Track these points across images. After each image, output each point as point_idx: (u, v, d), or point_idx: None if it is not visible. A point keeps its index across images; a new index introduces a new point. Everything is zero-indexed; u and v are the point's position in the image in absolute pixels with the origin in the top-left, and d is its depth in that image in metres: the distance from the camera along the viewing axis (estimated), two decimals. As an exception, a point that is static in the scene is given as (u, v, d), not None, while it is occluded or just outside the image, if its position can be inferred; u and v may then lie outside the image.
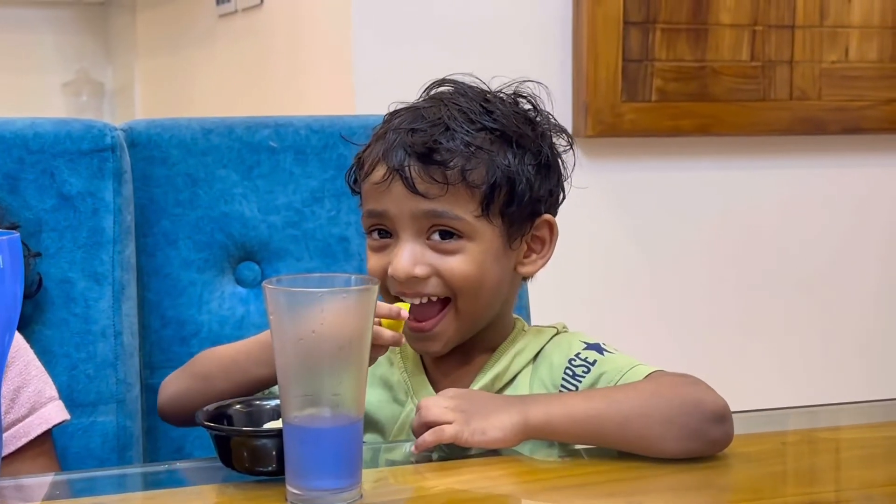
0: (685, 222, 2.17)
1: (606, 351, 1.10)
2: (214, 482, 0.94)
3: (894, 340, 2.31)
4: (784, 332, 2.25)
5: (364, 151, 1.11)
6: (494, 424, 0.97)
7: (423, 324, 1.07)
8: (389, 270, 1.06)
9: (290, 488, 0.87)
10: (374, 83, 1.96)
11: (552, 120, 1.14)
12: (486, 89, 1.13)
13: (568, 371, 1.08)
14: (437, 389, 1.11)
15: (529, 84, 1.14)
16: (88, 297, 1.30)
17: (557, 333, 1.14)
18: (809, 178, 2.23)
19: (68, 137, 1.31)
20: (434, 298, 1.07)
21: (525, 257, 1.12)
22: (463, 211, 1.05)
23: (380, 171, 1.06)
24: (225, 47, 2.83)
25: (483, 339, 1.12)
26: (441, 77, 1.14)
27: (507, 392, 1.10)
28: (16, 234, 0.76)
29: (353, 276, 0.91)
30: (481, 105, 1.09)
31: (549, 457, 1.02)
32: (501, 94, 1.13)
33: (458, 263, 1.06)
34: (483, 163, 1.06)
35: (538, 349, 1.13)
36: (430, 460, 1.00)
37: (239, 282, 1.41)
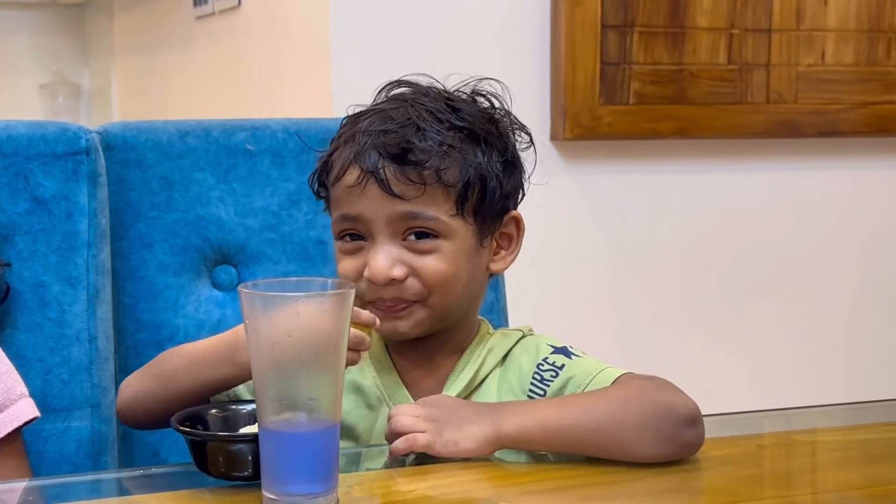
0: (663, 225, 2.18)
1: (574, 354, 1.10)
2: (190, 487, 0.93)
3: (870, 343, 2.33)
4: (760, 335, 2.26)
5: (331, 155, 1.10)
6: (467, 435, 0.97)
7: (394, 306, 1.07)
8: (366, 273, 1.06)
9: (266, 493, 0.86)
10: (352, 86, 1.96)
11: (512, 117, 1.14)
12: (444, 89, 1.13)
13: (536, 376, 1.08)
14: (408, 391, 1.11)
15: (488, 82, 1.14)
16: (62, 301, 1.29)
17: (524, 336, 1.14)
18: (786, 181, 2.24)
19: (42, 140, 1.30)
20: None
21: (495, 254, 1.12)
22: (438, 211, 1.05)
23: (353, 175, 1.06)
24: (202, 49, 2.82)
25: (451, 339, 1.12)
26: (396, 79, 1.14)
27: (476, 396, 1.10)
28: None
29: (329, 280, 0.90)
30: (446, 104, 1.09)
31: (518, 459, 1.02)
32: (460, 94, 1.13)
33: (434, 262, 1.06)
34: (456, 162, 1.06)
35: (506, 351, 1.12)
36: (405, 465, 1.00)
37: (215, 285, 1.41)
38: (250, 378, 0.99)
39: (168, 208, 1.38)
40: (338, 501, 0.87)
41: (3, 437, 1.13)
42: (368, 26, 1.98)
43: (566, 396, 1.05)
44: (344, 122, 1.13)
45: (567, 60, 2.04)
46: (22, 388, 1.17)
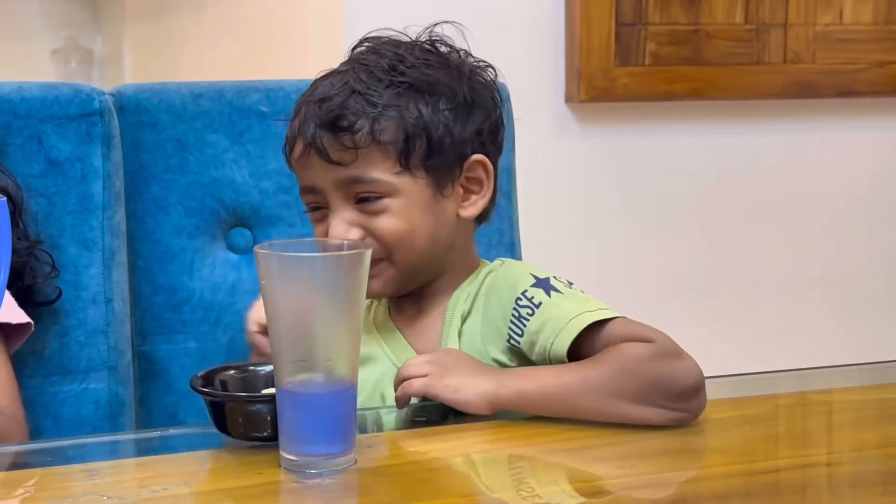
0: (678, 187, 2.17)
1: (554, 290, 1.06)
2: (209, 448, 0.94)
3: (886, 304, 2.32)
4: (777, 296, 2.25)
5: (288, 128, 1.13)
6: (467, 386, 0.98)
7: None
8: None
9: (283, 454, 0.87)
10: (365, 47, 1.94)
11: (471, 58, 1.15)
12: (405, 41, 1.14)
13: (514, 311, 1.07)
14: (407, 339, 1.13)
15: (444, 26, 1.15)
16: (78, 264, 1.29)
17: (502, 264, 1.14)
18: (803, 142, 2.23)
19: (56, 102, 1.29)
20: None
21: (464, 200, 1.13)
22: (380, 171, 1.08)
23: (298, 147, 1.10)
24: (214, 12, 2.81)
25: (440, 284, 1.14)
26: (363, 37, 1.16)
27: (464, 332, 1.11)
28: (2, 199, 0.75)
29: (345, 241, 0.90)
30: (389, 61, 1.10)
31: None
32: (420, 43, 1.14)
33: (387, 221, 1.08)
34: (392, 120, 1.07)
35: (479, 285, 1.12)
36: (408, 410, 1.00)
37: (230, 248, 1.41)
38: None
39: (182, 171, 1.37)
40: (355, 462, 0.87)
41: None
42: (381, -13, 1.96)
43: (565, 366, 1.02)
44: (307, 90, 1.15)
45: (582, 21, 2.02)
46: None
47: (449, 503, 0.83)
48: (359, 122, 1.06)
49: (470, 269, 1.15)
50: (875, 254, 2.30)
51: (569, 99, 2.06)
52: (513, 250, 1.48)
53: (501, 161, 1.43)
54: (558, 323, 1.03)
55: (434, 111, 1.08)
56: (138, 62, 3.54)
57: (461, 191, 1.12)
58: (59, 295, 1.27)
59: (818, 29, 2.16)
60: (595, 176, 2.12)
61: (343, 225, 1.07)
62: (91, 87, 1.33)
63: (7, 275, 0.75)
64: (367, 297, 1.09)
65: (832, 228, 2.27)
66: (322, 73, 1.13)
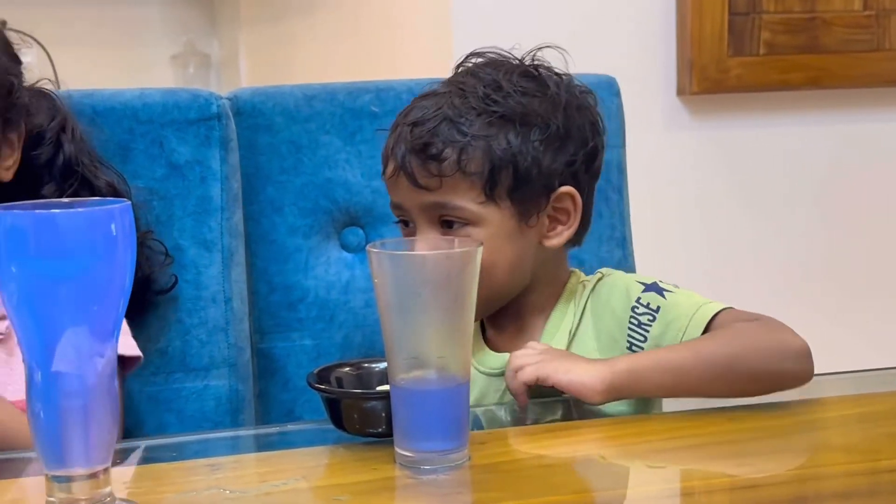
0: (795, 179, 2.12)
1: (666, 291, 1.09)
2: (326, 444, 0.95)
3: None
4: (900, 290, 2.18)
5: (385, 144, 1.14)
6: (580, 369, 0.98)
7: None
8: None
9: (398, 450, 0.88)
10: (473, 45, 1.95)
11: (574, 85, 1.13)
12: (506, 63, 1.13)
13: (633, 320, 1.08)
14: (500, 351, 1.14)
15: (547, 50, 1.14)
16: (199, 264, 1.33)
17: (602, 277, 1.15)
18: (926, 131, 2.15)
19: (176, 107, 1.33)
20: None
21: (549, 231, 1.12)
22: (464, 200, 1.08)
23: (390, 166, 1.11)
24: (326, 15, 2.85)
25: (535, 301, 1.14)
26: (471, 51, 1.16)
27: (574, 349, 1.11)
28: (127, 203, 0.77)
29: (456, 239, 0.91)
30: (485, 88, 1.09)
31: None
32: (523, 66, 1.13)
33: None
34: (480, 150, 1.07)
35: (585, 301, 1.13)
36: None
37: (344, 247, 1.43)
38: None
39: (296, 172, 1.40)
40: (469, 458, 0.88)
41: None
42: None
43: (676, 344, 1.05)
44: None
45: (693, 11, 1.99)
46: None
47: (562, 500, 0.83)
48: (446, 151, 1.07)
49: (562, 283, 1.16)
50: None
51: (680, 91, 2.03)
52: (624, 246, 1.46)
53: (612, 156, 1.42)
54: (682, 322, 1.06)
55: (524, 142, 1.08)
56: (253, 65, 3.61)
57: (546, 221, 1.12)
58: (175, 282, 1.30)
59: (941, 13, 2.09)
60: (708, 169, 2.09)
61: (426, 248, 1.07)
62: (209, 92, 1.36)
63: (132, 279, 0.77)
64: None
65: (959, 219, 2.18)
66: (423, 94, 1.14)
